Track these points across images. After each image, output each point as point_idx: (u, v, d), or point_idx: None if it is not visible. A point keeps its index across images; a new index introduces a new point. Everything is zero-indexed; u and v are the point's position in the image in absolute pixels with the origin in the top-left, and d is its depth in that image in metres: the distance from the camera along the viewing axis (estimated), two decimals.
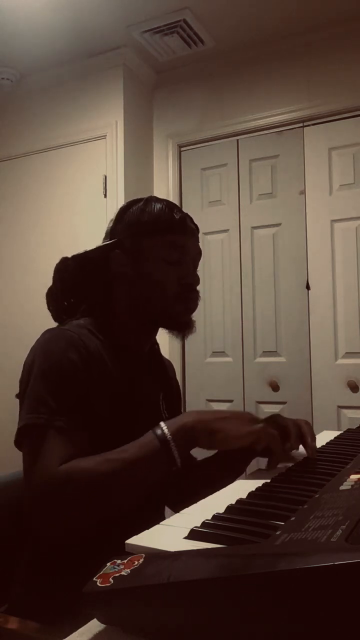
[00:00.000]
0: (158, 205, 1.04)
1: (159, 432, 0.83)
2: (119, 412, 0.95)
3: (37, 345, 0.96)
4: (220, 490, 0.79)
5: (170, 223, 1.02)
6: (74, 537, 0.86)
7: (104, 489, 0.82)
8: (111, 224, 1.08)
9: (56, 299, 1.09)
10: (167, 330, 1.07)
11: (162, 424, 0.84)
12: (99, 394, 0.93)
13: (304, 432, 0.97)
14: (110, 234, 1.08)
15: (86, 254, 1.07)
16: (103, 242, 1.07)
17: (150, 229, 1.02)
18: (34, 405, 0.88)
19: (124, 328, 1.05)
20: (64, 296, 1.09)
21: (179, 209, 1.07)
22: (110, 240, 1.06)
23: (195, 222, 1.11)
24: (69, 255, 1.09)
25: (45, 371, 0.90)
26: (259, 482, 0.79)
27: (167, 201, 1.07)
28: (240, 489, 0.78)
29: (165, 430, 0.83)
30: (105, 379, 0.95)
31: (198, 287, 1.07)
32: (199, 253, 1.09)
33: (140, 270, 1.02)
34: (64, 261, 1.09)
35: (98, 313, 1.05)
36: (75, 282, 1.08)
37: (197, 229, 1.10)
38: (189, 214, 1.10)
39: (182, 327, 1.05)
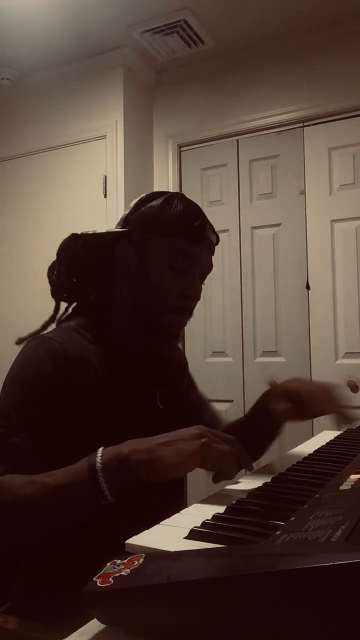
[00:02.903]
0: (180, 207, 0.97)
1: (92, 459, 0.75)
2: (108, 415, 0.94)
3: (19, 354, 0.94)
4: (220, 491, 0.79)
5: (186, 229, 0.96)
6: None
7: (19, 512, 0.78)
8: (127, 211, 1.02)
9: (58, 276, 1.04)
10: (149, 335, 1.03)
11: (99, 450, 0.76)
12: (83, 400, 0.92)
13: (323, 398, 0.98)
14: (123, 222, 1.01)
15: (95, 236, 1.02)
16: (115, 228, 1.02)
17: (163, 229, 0.96)
18: None
19: (121, 327, 1.01)
20: (68, 275, 1.04)
21: (202, 215, 0.99)
22: (121, 228, 1.01)
23: None
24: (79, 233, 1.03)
25: (16, 384, 0.90)
26: (257, 483, 0.79)
27: (192, 204, 0.99)
28: (239, 489, 0.78)
29: (98, 459, 0.74)
30: (89, 384, 0.93)
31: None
32: (209, 266, 1.03)
33: (143, 268, 0.98)
34: (73, 238, 1.03)
35: (95, 310, 1.03)
36: (80, 261, 1.03)
37: (216, 239, 1.04)
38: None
39: (167, 338, 1.01)
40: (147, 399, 1.05)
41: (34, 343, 0.95)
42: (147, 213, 0.98)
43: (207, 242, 1.00)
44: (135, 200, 1.02)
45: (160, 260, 0.97)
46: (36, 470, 0.83)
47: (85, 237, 1.02)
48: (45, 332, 1.01)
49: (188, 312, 1.01)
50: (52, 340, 0.93)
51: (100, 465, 0.73)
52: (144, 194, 1.02)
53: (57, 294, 1.05)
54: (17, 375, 0.91)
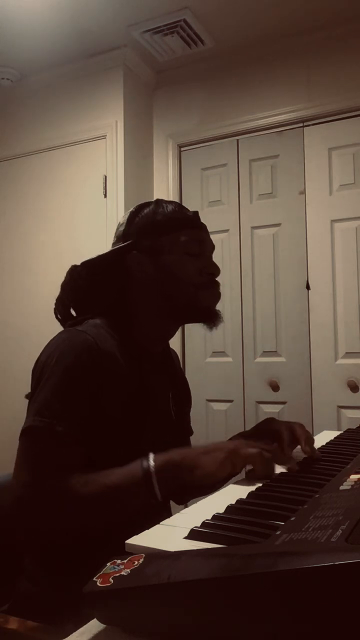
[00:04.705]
0: (169, 206, 1.07)
1: (144, 463, 0.82)
2: (130, 412, 0.96)
3: (52, 346, 0.95)
4: (220, 490, 0.79)
5: (185, 219, 1.06)
6: (48, 539, 0.88)
7: (78, 511, 0.82)
8: (122, 227, 1.08)
9: (66, 308, 1.08)
10: (203, 324, 1.08)
11: (150, 455, 0.83)
12: (111, 396, 0.93)
13: (297, 435, 0.97)
14: (123, 237, 1.07)
15: (99, 259, 1.07)
16: (115, 246, 1.07)
17: (167, 227, 1.04)
18: (39, 408, 0.88)
19: (140, 329, 1.05)
20: (76, 305, 1.08)
21: (187, 208, 1.10)
22: (124, 242, 1.05)
23: None
24: (72, 260, 1.09)
25: (55, 375, 0.90)
26: (257, 483, 0.79)
27: (175, 202, 1.10)
28: (239, 489, 0.78)
29: (151, 463, 0.82)
30: (117, 380, 0.95)
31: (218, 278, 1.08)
32: (213, 246, 1.12)
33: (161, 267, 1.03)
34: (75, 269, 1.08)
35: (114, 313, 1.05)
36: (87, 288, 1.07)
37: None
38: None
39: (211, 317, 1.06)
40: (164, 402, 1.08)
41: (67, 335, 0.96)
42: (145, 221, 1.05)
43: (204, 225, 1.10)
44: (126, 217, 1.09)
45: (175, 252, 1.03)
46: (77, 461, 0.86)
47: (85, 264, 1.07)
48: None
49: (216, 284, 1.08)
50: (85, 333, 0.95)
51: (154, 469, 0.81)
52: (129, 210, 1.10)
53: (65, 323, 1.08)
54: (55, 367, 0.91)
